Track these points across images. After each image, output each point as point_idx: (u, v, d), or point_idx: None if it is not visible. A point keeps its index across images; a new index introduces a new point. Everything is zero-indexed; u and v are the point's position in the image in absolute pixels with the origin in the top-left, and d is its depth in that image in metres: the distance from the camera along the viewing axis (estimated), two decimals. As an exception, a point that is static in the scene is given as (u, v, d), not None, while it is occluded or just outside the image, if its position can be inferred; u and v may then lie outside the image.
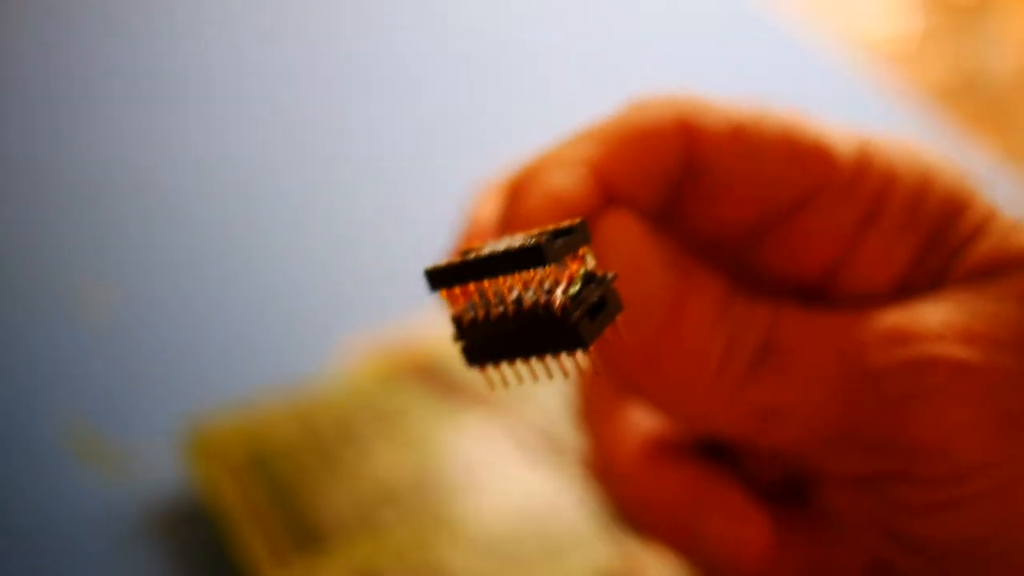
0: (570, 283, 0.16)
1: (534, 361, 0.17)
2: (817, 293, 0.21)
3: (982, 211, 0.20)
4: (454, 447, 0.34)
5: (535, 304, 0.16)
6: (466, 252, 0.17)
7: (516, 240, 0.17)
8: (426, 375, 0.35)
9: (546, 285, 0.16)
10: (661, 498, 0.22)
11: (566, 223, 0.17)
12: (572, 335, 0.16)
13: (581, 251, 0.17)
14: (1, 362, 0.38)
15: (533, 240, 0.16)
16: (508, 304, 0.17)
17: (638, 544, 0.30)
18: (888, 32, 1.16)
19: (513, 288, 0.17)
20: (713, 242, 0.21)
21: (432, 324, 0.37)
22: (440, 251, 0.20)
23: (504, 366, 0.17)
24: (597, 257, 0.17)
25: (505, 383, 0.17)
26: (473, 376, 0.18)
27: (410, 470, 0.33)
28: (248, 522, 0.31)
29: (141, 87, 0.52)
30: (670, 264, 0.19)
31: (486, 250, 0.17)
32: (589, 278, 0.17)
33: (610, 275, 0.17)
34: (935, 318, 0.18)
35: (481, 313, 0.17)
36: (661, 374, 0.19)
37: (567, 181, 0.19)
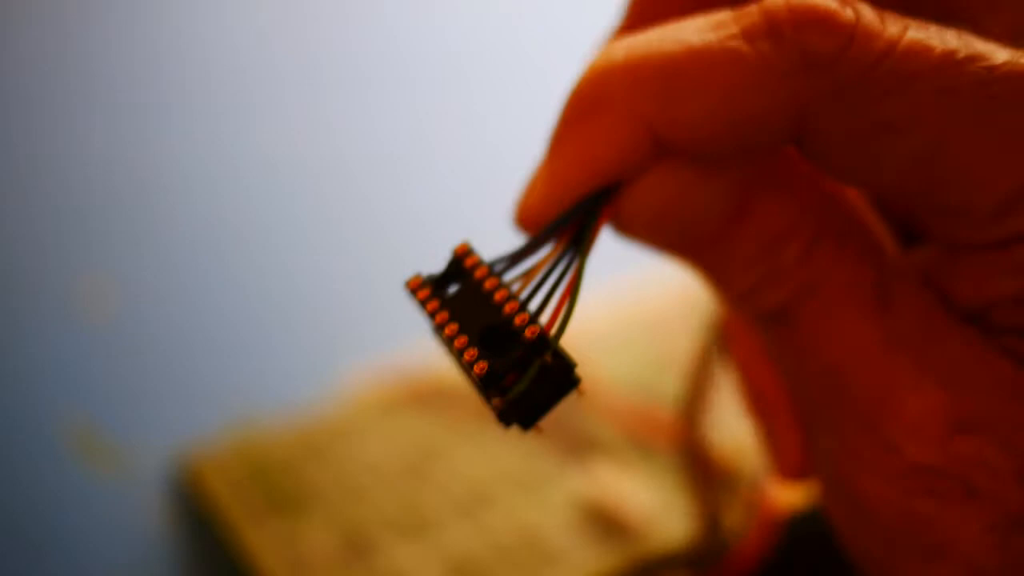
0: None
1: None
2: None
3: None
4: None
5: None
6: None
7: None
8: (430, 403, 0.35)
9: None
10: (750, 390, 0.22)
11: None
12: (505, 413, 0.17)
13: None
14: (3, 360, 0.38)
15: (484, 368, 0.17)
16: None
17: (611, 471, 0.31)
18: (888, 32, 1.16)
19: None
20: None
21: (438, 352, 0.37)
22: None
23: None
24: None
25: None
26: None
27: (401, 460, 0.33)
28: (238, 506, 0.32)
29: (147, 85, 0.52)
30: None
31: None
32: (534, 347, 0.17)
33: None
34: None
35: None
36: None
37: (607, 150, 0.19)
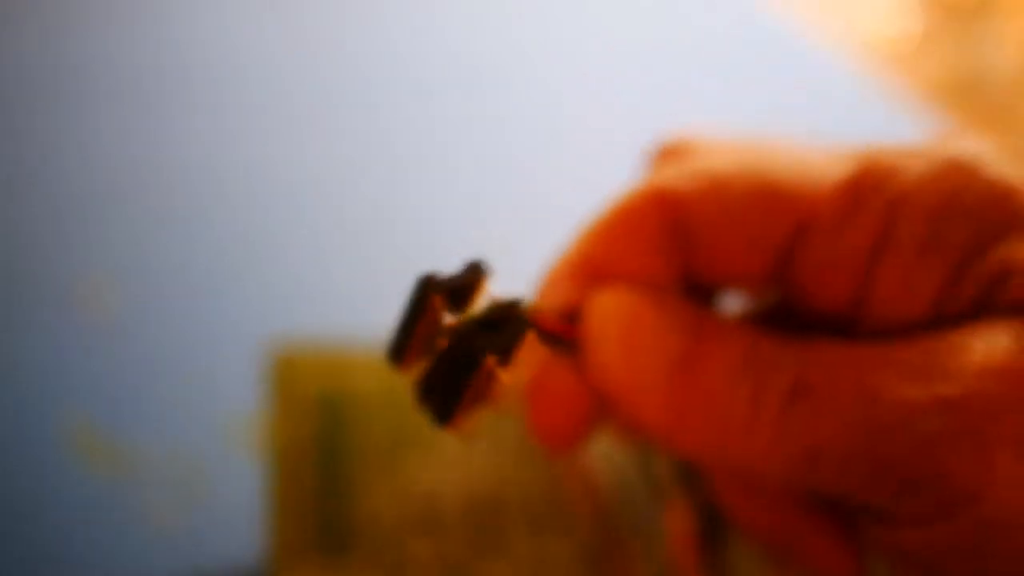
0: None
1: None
2: (852, 326, 0.20)
3: None
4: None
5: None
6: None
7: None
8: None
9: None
10: (761, 526, 0.22)
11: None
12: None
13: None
14: (4, 360, 0.38)
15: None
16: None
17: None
18: (888, 32, 1.16)
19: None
20: (739, 289, 0.21)
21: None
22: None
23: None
24: (592, 336, 0.19)
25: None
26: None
27: (464, 493, 0.32)
28: (283, 504, 0.31)
29: (147, 85, 0.52)
30: (676, 327, 0.19)
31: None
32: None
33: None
34: (973, 350, 0.17)
35: None
36: (693, 433, 0.19)
37: (552, 302, 0.21)
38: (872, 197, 0.19)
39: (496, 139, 0.48)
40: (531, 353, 0.18)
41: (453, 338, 0.17)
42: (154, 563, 0.32)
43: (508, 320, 0.18)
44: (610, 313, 0.20)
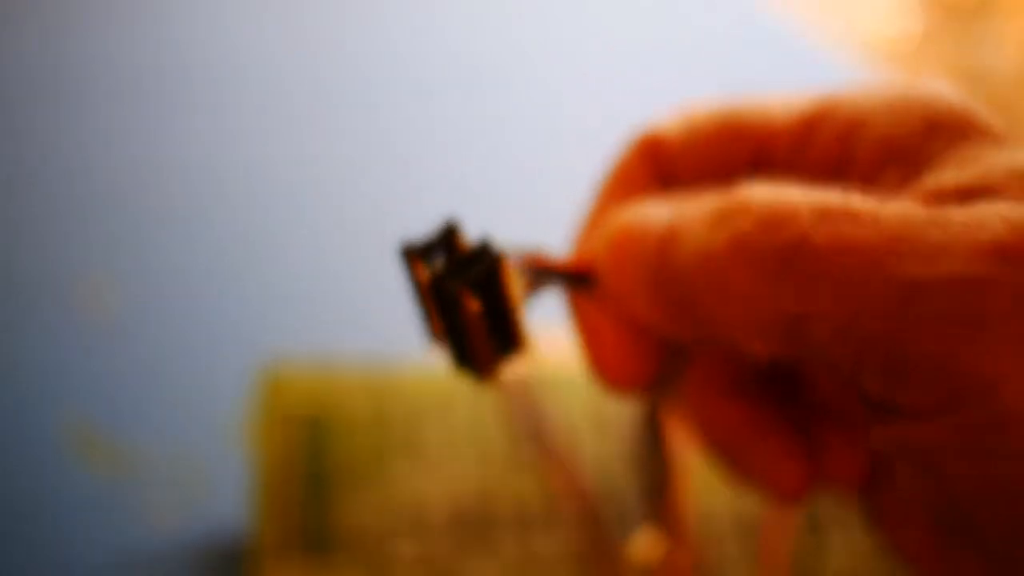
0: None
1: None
2: None
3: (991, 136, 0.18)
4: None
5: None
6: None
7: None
8: (510, 394, 0.35)
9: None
10: (713, 433, 0.22)
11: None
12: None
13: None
14: (4, 360, 0.38)
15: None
16: None
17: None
18: (888, 32, 1.16)
19: None
20: None
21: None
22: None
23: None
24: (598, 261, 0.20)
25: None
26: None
27: (448, 505, 0.32)
28: (268, 506, 0.31)
29: (147, 86, 0.52)
30: (659, 209, 0.20)
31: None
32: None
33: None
34: (984, 227, 0.16)
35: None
36: (687, 303, 0.19)
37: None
38: (829, 119, 0.20)
39: (496, 139, 0.48)
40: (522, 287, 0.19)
41: (431, 290, 0.18)
42: (154, 563, 0.32)
43: (478, 257, 0.18)
44: (603, 231, 0.21)
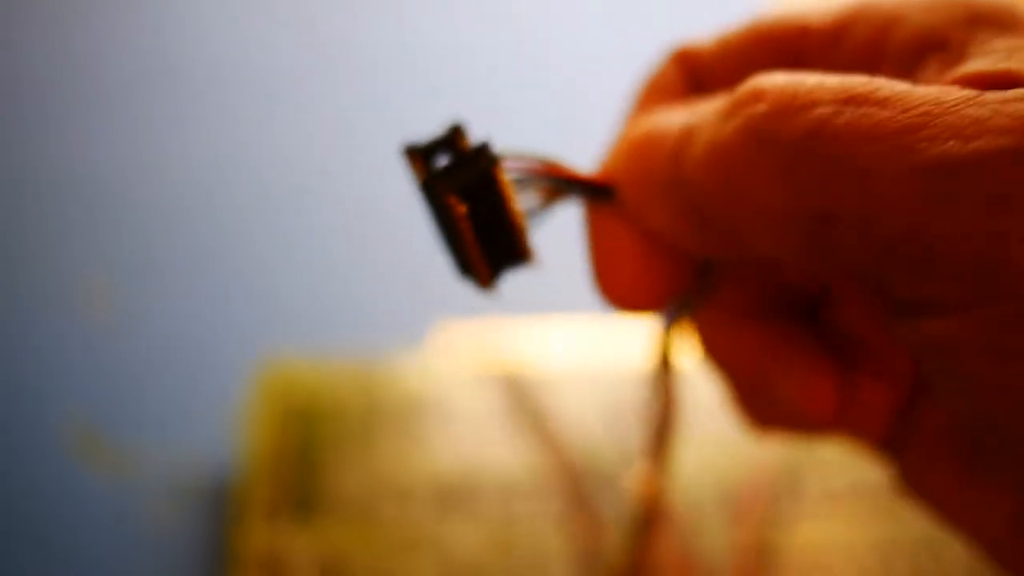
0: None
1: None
2: None
3: None
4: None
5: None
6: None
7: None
8: (508, 388, 0.35)
9: None
10: (735, 362, 0.21)
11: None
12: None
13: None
14: (4, 360, 0.38)
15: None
16: None
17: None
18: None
19: None
20: None
21: (535, 337, 0.37)
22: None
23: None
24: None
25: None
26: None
27: (432, 477, 0.33)
28: (262, 475, 0.32)
29: (148, 86, 0.52)
30: (677, 112, 0.19)
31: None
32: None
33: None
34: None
35: None
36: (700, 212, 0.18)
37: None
38: (864, 16, 0.19)
39: (497, 139, 0.48)
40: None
41: (423, 192, 0.17)
42: (153, 562, 0.32)
43: (472, 158, 0.17)
44: (622, 139, 0.20)
